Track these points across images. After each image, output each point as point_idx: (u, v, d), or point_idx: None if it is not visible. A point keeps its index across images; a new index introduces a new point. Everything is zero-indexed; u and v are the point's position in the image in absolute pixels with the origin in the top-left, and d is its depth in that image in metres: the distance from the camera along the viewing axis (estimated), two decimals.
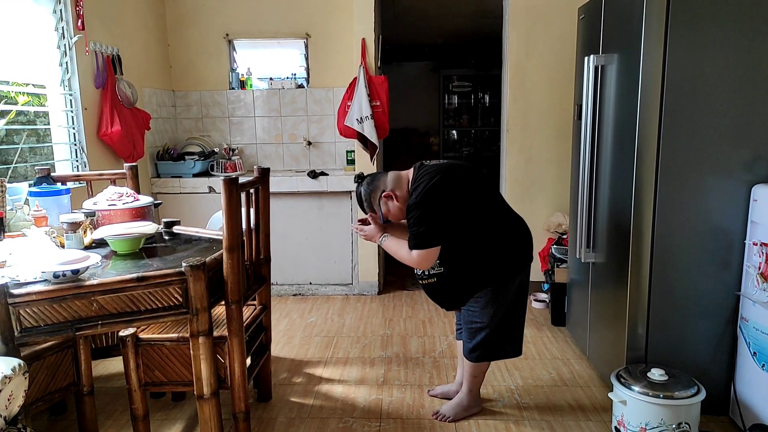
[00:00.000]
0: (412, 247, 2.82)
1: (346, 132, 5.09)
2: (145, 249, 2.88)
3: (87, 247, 2.82)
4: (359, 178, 3.10)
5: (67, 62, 4.06)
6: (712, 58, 2.85)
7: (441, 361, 3.92)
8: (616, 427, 2.89)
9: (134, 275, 2.33)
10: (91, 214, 3.04)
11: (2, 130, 3.96)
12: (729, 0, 2.82)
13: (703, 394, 2.70)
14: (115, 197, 3.10)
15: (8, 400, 1.97)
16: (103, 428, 3.12)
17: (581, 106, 3.64)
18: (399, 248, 2.92)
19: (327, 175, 5.20)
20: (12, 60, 3.67)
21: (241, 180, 2.73)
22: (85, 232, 2.89)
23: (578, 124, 3.81)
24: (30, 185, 3.35)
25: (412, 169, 2.98)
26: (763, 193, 2.80)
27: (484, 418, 3.19)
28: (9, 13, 3.65)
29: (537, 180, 5.10)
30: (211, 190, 5.20)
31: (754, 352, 2.84)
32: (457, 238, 2.86)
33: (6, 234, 2.86)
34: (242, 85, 5.75)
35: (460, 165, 2.97)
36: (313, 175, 5.15)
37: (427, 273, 2.98)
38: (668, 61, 2.85)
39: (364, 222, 3.10)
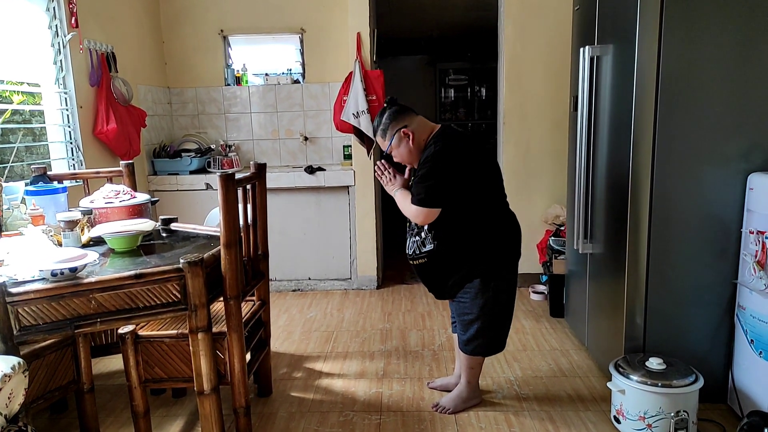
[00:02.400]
0: (415, 201, 2.84)
1: (343, 127, 5.09)
2: (143, 246, 2.88)
3: (84, 245, 2.82)
4: (391, 103, 3.05)
5: (61, 60, 4.06)
6: (707, 48, 2.85)
7: (440, 353, 3.93)
8: (615, 417, 2.91)
9: (132, 272, 2.34)
10: (88, 212, 3.05)
11: None
12: None
13: (701, 383, 2.72)
14: (111, 195, 3.10)
15: (8, 398, 1.98)
16: (104, 425, 3.14)
17: (577, 97, 3.64)
18: (405, 201, 2.93)
19: (324, 170, 5.21)
20: (6, 59, 3.66)
21: (238, 176, 2.73)
22: (82, 230, 2.90)
23: (575, 116, 3.82)
24: (26, 184, 3.35)
25: (439, 126, 2.99)
26: (759, 182, 2.81)
27: (483, 410, 3.21)
28: (2, 11, 3.65)
29: (534, 172, 5.11)
30: (208, 186, 5.20)
31: (752, 340, 2.86)
32: (457, 210, 2.86)
33: (3, 233, 2.86)
34: (238, 81, 5.74)
35: (482, 143, 2.99)
36: (311, 170, 5.15)
37: (419, 252, 2.99)
38: (663, 51, 2.85)
39: (387, 163, 3.10)
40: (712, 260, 3.01)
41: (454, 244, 2.93)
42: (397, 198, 3.01)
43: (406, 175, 3.08)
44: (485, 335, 3.06)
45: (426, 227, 2.95)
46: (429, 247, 2.95)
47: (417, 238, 3.00)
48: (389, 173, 3.07)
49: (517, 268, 3.11)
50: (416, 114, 3.01)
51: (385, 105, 3.05)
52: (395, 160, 3.02)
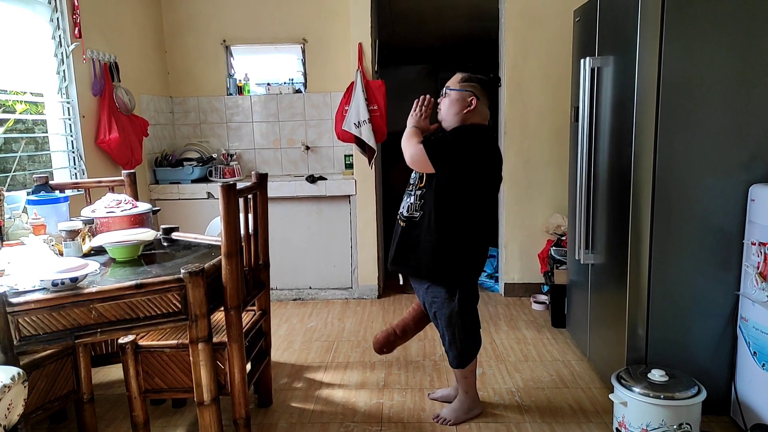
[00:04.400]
0: (422, 140, 2.89)
1: (344, 136, 5.09)
2: (144, 256, 2.87)
3: (85, 255, 2.82)
4: (493, 79, 3.16)
5: (64, 70, 4.06)
6: (707, 58, 2.85)
7: (441, 364, 3.91)
8: (617, 429, 2.89)
9: (133, 282, 2.33)
10: (89, 222, 3.04)
11: (0, 138, 3.96)
12: (724, 0, 2.82)
13: (703, 395, 2.70)
14: (113, 204, 3.09)
15: (8, 409, 1.97)
16: None
17: (578, 108, 3.64)
18: (411, 139, 2.96)
19: (325, 179, 5.20)
20: (10, 68, 3.66)
21: (240, 186, 2.72)
22: (83, 239, 2.89)
23: (575, 126, 3.81)
24: (28, 193, 3.35)
25: (485, 124, 3.05)
26: (761, 193, 2.80)
27: (485, 421, 3.18)
28: (6, 22, 3.65)
29: (535, 182, 5.11)
30: (210, 195, 5.20)
31: (754, 352, 2.84)
32: (450, 191, 2.88)
33: (4, 243, 2.85)
34: (240, 90, 5.75)
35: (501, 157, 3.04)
36: (312, 179, 5.15)
37: (407, 215, 3.01)
38: (664, 62, 2.85)
39: (428, 104, 3.11)
40: (714, 271, 2.99)
41: (435, 223, 2.92)
42: (407, 132, 3.04)
43: (431, 127, 3.13)
44: (456, 346, 3.08)
45: (418, 194, 2.97)
46: (416, 215, 2.98)
47: (409, 200, 3.03)
48: (426, 111, 3.10)
49: (476, 281, 3.16)
50: (487, 107, 3.06)
51: (490, 77, 3.16)
52: (439, 106, 3.06)
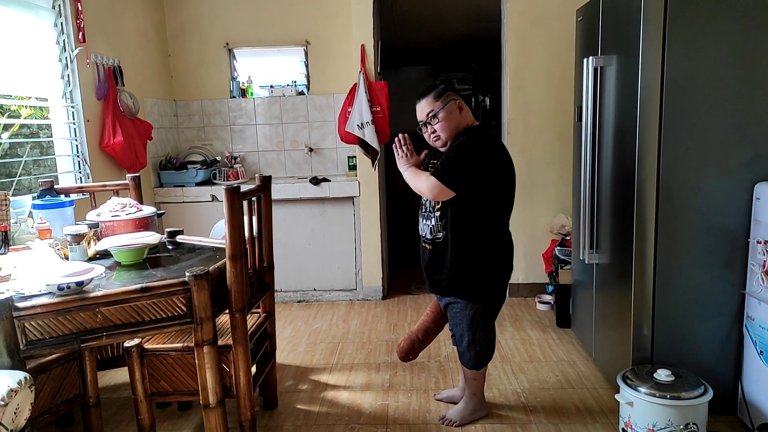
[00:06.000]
0: (434, 173, 2.83)
1: (347, 138, 5.08)
2: (149, 259, 2.87)
3: (91, 259, 2.82)
4: (447, 82, 3.05)
5: (68, 75, 4.06)
6: (711, 57, 2.85)
7: (447, 365, 3.91)
8: (623, 429, 2.88)
9: (138, 286, 2.33)
10: (94, 226, 3.04)
11: (6, 143, 3.97)
12: None
13: (710, 394, 2.69)
14: (118, 208, 3.09)
15: (15, 413, 1.97)
16: None
17: (581, 107, 3.63)
18: (418, 176, 2.92)
19: (329, 181, 5.20)
20: (14, 74, 3.67)
21: (243, 188, 2.72)
22: (88, 243, 2.89)
23: (579, 126, 3.81)
24: (34, 198, 3.35)
25: (477, 122, 3.02)
26: (766, 192, 2.79)
27: (490, 422, 3.18)
28: (11, 27, 3.66)
29: (539, 182, 5.10)
30: (214, 198, 5.20)
31: (761, 351, 2.82)
32: (470, 206, 2.85)
33: (10, 247, 2.86)
34: (243, 93, 5.75)
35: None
36: (315, 181, 5.15)
37: (429, 236, 2.98)
38: (667, 61, 2.84)
39: (406, 142, 3.07)
40: (719, 270, 2.98)
41: (461, 240, 2.90)
42: (408, 174, 2.99)
43: (421, 157, 3.10)
44: (474, 348, 3.05)
45: (438, 214, 2.93)
46: (439, 235, 2.94)
47: (429, 222, 2.99)
48: (408, 148, 3.06)
49: (507, 283, 3.11)
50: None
51: (438, 82, 3.08)
52: (430, 129, 2.96)
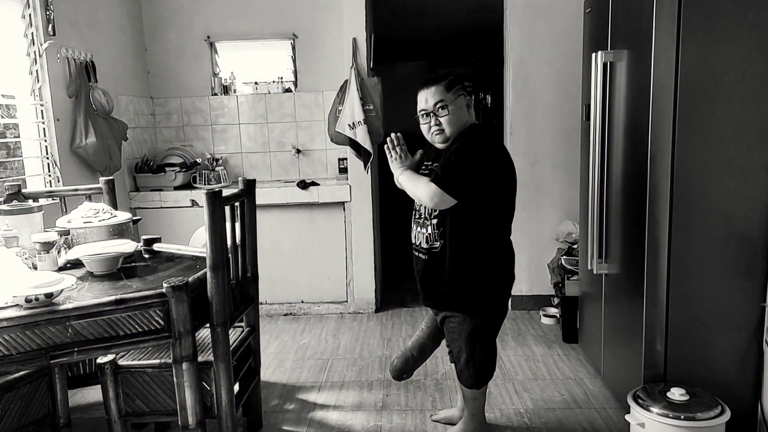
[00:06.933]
0: (434, 179, 2.79)
1: (338, 139, 5.09)
2: (124, 269, 2.86)
3: (61, 269, 2.81)
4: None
5: (37, 70, 4.06)
6: (729, 52, 2.85)
7: (444, 383, 3.91)
8: None
9: (112, 298, 2.33)
10: (65, 233, 3.03)
11: None
12: None
13: (727, 415, 2.70)
14: (90, 214, 3.08)
15: None
16: None
17: (589, 105, 3.64)
18: (416, 181, 2.90)
19: (318, 185, 5.20)
20: None
21: (226, 192, 2.72)
22: (58, 252, 2.88)
23: (587, 125, 3.82)
24: None
25: (476, 121, 3.03)
26: None
27: None
28: None
29: (544, 185, 5.11)
30: (194, 203, 5.19)
31: None
32: (471, 214, 2.84)
33: None
34: (225, 90, 5.75)
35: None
36: (303, 185, 5.15)
37: (425, 246, 2.96)
38: (682, 56, 2.85)
39: (400, 142, 3.07)
40: (737, 281, 2.99)
41: (460, 250, 2.89)
42: (404, 179, 2.98)
43: (416, 157, 3.09)
44: (473, 365, 3.01)
45: (434, 222, 2.91)
46: (436, 245, 2.92)
47: (425, 230, 2.96)
48: (402, 149, 3.06)
49: (509, 296, 3.10)
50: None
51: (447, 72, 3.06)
52: (434, 120, 2.92)
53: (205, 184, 5.35)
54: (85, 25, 4.60)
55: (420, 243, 3.00)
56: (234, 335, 3.13)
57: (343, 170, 5.38)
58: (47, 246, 2.77)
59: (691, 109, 2.88)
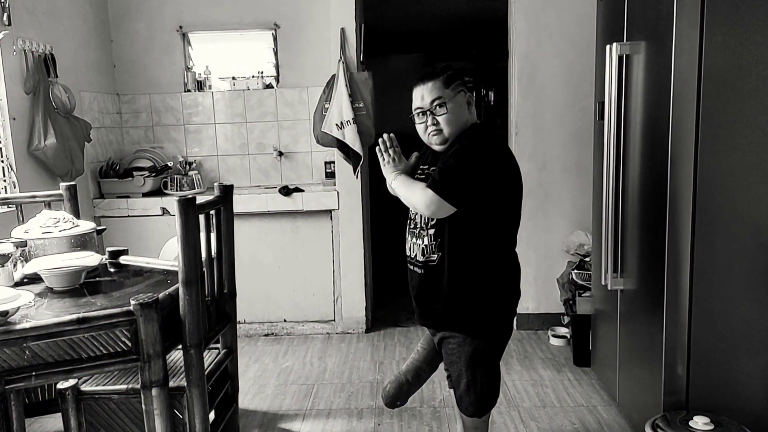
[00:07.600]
0: (432, 185, 2.76)
1: (324, 140, 5.10)
2: (87, 284, 2.86)
3: (17, 284, 2.80)
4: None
5: None
6: (758, 43, 2.85)
7: (442, 411, 3.91)
8: None
9: (74, 317, 2.32)
10: (21, 245, 3.03)
11: None
12: None
13: None
14: (50, 223, 3.08)
15: None
16: None
17: (603, 103, 3.66)
18: (411, 187, 2.87)
19: (302, 191, 5.21)
20: None
21: (200, 199, 2.73)
22: (14, 265, 2.88)
23: (600, 125, 3.83)
24: None
25: (476, 121, 3.02)
26: None
27: None
28: None
29: (552, 192, 5.13)
30: (165, 211, 5.19)
31: None
32: (472, 224, 2.82)
33: None
34: (200, 86, 5.76)
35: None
36: (286, 191, 5.15)
37: (420, 259, 2.95)
38: (706, 48, 2.85)
39: (393, 144, 3.06)
40: (766, 298, 3.00)
41: (461, 263, 2.86)
42: (397, 184, 2.95)
43: (411, 161, 3.09)
44: (475, 391, 2.98)
45: (432, 232, 2.89)
46: (433, 257, 2.90)
47: (421, 241, 2.94)
48: (395, 152, 3.04)
49: (514, 314, 3.09)
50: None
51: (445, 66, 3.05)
52: (431, 120, 2.90)
53: (177, 191, 5.35)
54: (43, 14, 4.61)
55: (416, 255, 2.98)
56: (209, 358, 3.13)
57: (330, 175, 5.39)
58: (2, 259, 2.77)
59: (716, 107, 2.88)
